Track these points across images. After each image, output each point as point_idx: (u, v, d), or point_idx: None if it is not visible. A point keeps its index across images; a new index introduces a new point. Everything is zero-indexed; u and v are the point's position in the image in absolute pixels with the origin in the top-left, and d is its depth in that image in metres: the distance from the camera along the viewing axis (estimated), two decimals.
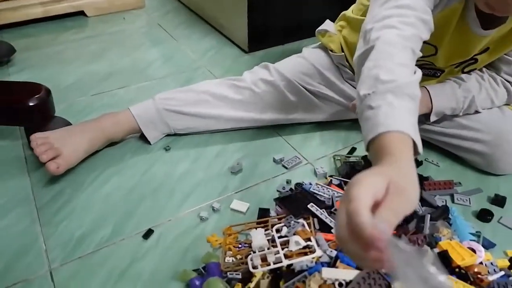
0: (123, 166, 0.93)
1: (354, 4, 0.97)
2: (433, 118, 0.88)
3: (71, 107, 1.11)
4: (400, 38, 0.60)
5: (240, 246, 0.74)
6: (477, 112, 0.89)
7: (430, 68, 0.88)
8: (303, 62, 0.99)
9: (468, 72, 0.89)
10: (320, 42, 1.02)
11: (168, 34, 1.52)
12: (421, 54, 0.63)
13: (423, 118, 0.90)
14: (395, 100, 0.53)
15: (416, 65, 0.62)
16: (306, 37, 1.43)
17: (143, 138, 0.98)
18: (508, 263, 0.71)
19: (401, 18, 0.62)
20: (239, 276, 0.67)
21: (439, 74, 0.90)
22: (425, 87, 0.87)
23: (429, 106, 0.87)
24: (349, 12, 0.97)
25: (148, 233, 0.77)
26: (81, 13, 1.63)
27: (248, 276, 0.67)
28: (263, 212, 0.80)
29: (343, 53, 0.96)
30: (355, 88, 0.95)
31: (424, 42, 0.65)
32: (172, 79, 1.25)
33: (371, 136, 0.52)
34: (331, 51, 0.98)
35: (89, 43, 1.45)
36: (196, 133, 1.00)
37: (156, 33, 1.53)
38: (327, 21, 1.04)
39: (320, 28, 1.02)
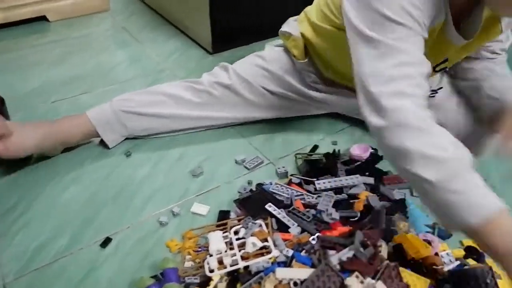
0: (82, 172, 0.91)
1: (313, 7, 0.91)
2: None
3: (31, 115, 1.08)
4: (420, 109, 0.60)
5: (199, 249, 0.73)
6: None
7: None
8: (263, 64, 0.97)
9: (440, 71, 0.88)
10: (282, 42, 0.98)
11: (132, 37, 1.50)
12: None
13: None
14: (474, 179, 0.56)
15: None
16: (271, 36, 1.41)
17: (103, 144, 0.97)
18: (464, 253, 0.73)
19: (408, 80, 0.61)
20: (197, 281, 0.67)
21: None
22: None
23: None
24: (312, 17, 0.89)
25: (106, 241, 0.76)
26: (43, 18, 1.59)
27: (206, 280, 0.66)
28: (223, 214, 0.79)
29: (306, 60, 0.93)
30: (317, 91, 0.97)
31: None
32: (137, 82, 1.23)
33: (474, 220, 0.54)
34: (294, 56, 0.94)
35: (51, 48, 1.42)
36: (157, 136, 0.99)
37: (121, 36, 1.51)
38: (290, 20, 0.99)
39: (283, 29, 0.96)
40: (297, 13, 1.02)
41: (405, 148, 0.58)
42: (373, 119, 0.62)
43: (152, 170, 0.92)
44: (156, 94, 0.96)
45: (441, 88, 0.94)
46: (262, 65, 0.97)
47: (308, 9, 0.94)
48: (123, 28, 1.57)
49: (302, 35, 0.93)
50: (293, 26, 0.95)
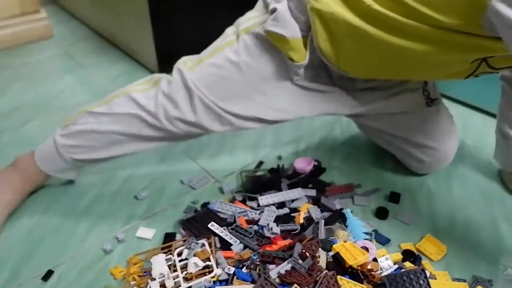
0: (22, 205, 0.89)
1: None
2: None
3: None
4: None
5: (145, 274, 0.73)
6: None
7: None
8: (241, 78, 0.77)
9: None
10: (263, 34, 0.76)
11: (77, 63, 1.48)
12: None
13: None
14: None
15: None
16: None
17: None
18: (401, 256, 0.76)
19: None
20: None
21: None
22: None
23: None
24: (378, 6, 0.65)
25: (47, 275, 0.74)
26: None
27: None
28: (169, 237, 0.79)
29: (306, 59, 0.76)
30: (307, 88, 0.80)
31: None
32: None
33: None
34: (292, 60, 0.75)
35: None
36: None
37: (65, 63, 1.49)
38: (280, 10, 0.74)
39: (275, 31, 0.73)
40: None
41: None
42: None
43: (97, 197, 0.91)
44: (108, 133, 0.81)
45: (437, 99, 0.89)
46: (239, 80, 0.77)
47: None
48: (67, 54, 1.55)
49: (338, 21, 0.69)
50: (286, 26, 0.74)
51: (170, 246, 0.76)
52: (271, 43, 0.76)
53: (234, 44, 0.79)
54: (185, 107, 0.77)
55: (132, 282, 0.71)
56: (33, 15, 1.60)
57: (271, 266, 0.66)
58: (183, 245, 0.74)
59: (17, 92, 1.30)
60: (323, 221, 0.75)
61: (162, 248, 0.77)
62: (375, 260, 0.72)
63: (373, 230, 0.80)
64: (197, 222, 0.79)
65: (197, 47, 1.41)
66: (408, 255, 0.76)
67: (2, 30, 1.55)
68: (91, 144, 0.83)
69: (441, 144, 0.90)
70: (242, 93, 0.78)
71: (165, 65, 1.37)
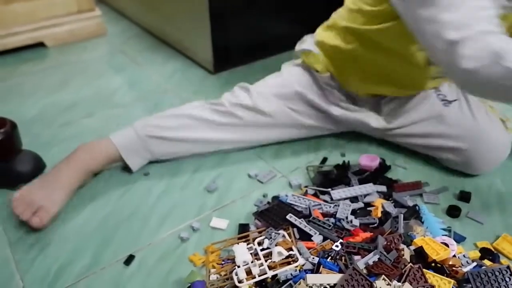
0: (96, 193, 0.92)
1: (341, 12, 0.93)
2: None
3: (37, 140, 1.09)
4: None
5: (223, 262, 0.74)
6: None
7: None
8: (284, 83, 0.98)
9: None
10: (301, 60, 1.00)
11: (131, 61, 1.52)
12: None
13: None
14: None
15: None
16: (271, 54, 1.46)
17: (117, 164, 0.98)
18: (479, 254, 0.75)
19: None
20: None
21: None
22: None
23: None
24: (343, 22, 0.90)
25: (129, 259, 0.76)
26: (41, 45, 1.60)
27: None
28: (243, 227, 0.81)
29: (328, 74, 0.96)
30: (338, 106, 0.98)
31: None
32: (140, 104, 1.25)
33: None
34: (317, 71, 0.96)
35: (50, 74, 1.43)
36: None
37: (119, 60, 1.53)
38: (307, 38, 1.01)
39: (302, 47, 0.99)
40: (296, 31, 1.08)
41: (493, 49, 0.63)
42: (456, 49, 0.65)
43: (167, 188, 0.93)
44: (181, 117, 0.96)
45: (456, 100, 0.93)
46: (283, 84, 0.98)
47: (335, 16, 0.95)
48: (121, 51, 1.59)
49: (325, 45, 0.94)
50: (310, 43, 0.98)
51: (247, 236, 0.77)
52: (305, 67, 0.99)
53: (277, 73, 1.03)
54: (244, 96, 0.98)
55: (212, 270, 0.73)
56: (88, 13, 1.65)
57: (356, 257, 0.66)
58: (260, 236, 0.75)
59: (77, 87, 1.34)
60: (402, 215, 0.75)
61: (239, 238, 0.78)
62: (454, 256, 0.72)
63: (448, 227, 0.80)
64: (273, 214, 0.80)
65: (253, 47, 1.44)
66: (486, 253, 0.75)
67: (60, 27, 1.60)
68: (166, 123, 0.95)
69: (469, 143, 0.89)
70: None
71: (221, 63, 1.39)
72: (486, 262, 0.73)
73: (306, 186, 0.90)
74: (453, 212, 0.84)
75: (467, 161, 0.91)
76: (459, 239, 0.79)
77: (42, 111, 1.22)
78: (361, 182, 0.88)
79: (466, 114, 0.91)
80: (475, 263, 0.72)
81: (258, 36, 1.41)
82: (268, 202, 0.86)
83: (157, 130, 0.94)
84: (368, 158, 0.95)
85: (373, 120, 0.98)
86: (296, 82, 0.98)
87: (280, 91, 0.98)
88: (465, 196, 0.88)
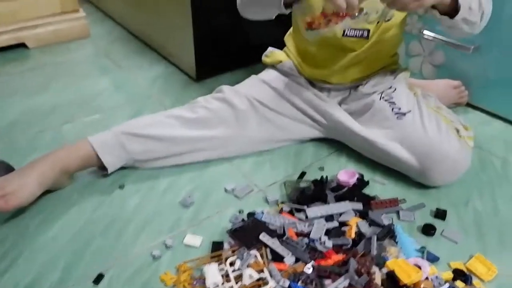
0: (70, 205, 0.90)
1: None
2: (462, 11, 0.81)
3: (12, 147, 1.07)
4: None
5: (195, 282, 0.73)
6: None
7: (356, 29, 0.95)
8: (253, 81, 1.07)
9: (389, 20, 0.95)
10: (268, 66, 1.10)
11: (115, 64, 1.50)
12: None
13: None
14: None
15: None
16: (254, 62, 1.44)
17: (93, 174, 0.96)
18: (452, 275, 0.75)
19: None
20: None
21: (366, 34, 0.96)
22: None
23: None
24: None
25: (98, 278, 0.75)
26: (23, 46, 1.58)
27: None
28: (217, 245, 0.80)
29: (291, 61, 1.07)
30: (306, 99, 1.04)
31: None
32: (121, 111, 1.23)
33: None
34: (280, 62, 1.07)
35: (30, 76, 1.40)
36: (145, 168, 0.99)
37: (103, 63, 1.51)
38: (269, 49, 1.12)
39: (266, 53, 1.12)
40: (277, 41, 1.12)
41: None
42: None
43: (142, 201, 0.92)
44: (157, 115, 1.00)
45: (410, 111, 0.96)
46: (256, 82, 1.06)
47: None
48: (104, 54, 1.57)
49: (290, 49, 1.09)
50: (272, 50, 1.12)
51: (220, 255, 0.77)
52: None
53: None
54: (217, 93, 1.04)
55: None
56: (72, 14, 1.63)
57: (327, 281, 0.66)
58: (233, 255, 0.75)
59: (58, 90, 1.33)
60: (375, 236, 0.75)
61: (212, 257, 0.77)
62: (426, 278, 0.72)
63: (421, 247, 0.80)
64: (246, 232, 0.79)
65: (236, 55, 1.42)
66: (458, 274, 0.75)
67: (42, 28, 1.58)
68: (140, 121, 0.99)
69: (420, 156, 0.91)
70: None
71: (203, 71, 1.38)
72: (459, 283, 0.73)
73: (282, 202, 0.89)
74: (428, 230, 0.84)
75: (422, 173, 0.92)
76: (433, 259, 0.78)
77: (21, 115, 1.20)
78: (338, 199, 0.88)
79: (418, 126, 0.93)
80: (447, 285, 0.72)
81: (242, 43, 1.40)
82: (243, 220, 0.85)
83: (132, 127, 0.96)
84: (346, 174, 0.94)
85: (338, 112, 1.02)
86: (264, 77, 1.07)
87: (250, 88, 1.04)
88: (441, 214, 0.88)
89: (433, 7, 0.82)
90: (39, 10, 1.55)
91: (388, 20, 0.96)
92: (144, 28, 1.62)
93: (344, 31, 0.96)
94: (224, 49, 1.39)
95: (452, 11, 0.82)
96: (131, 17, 1.71)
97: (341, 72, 1.02)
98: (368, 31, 0.96)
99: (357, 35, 0.96)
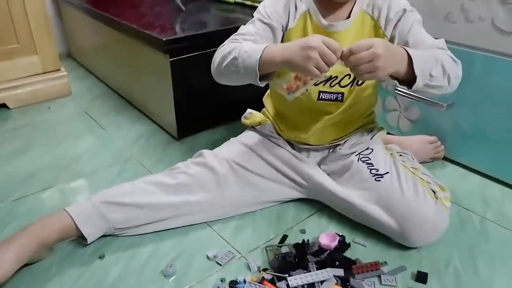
0: (48, 279, 0.87)
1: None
2: (418, 72, 0.82)
3: None
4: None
5: None
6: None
7: (330, 92, 0.99)
8: (232, 144, 1.09)
9: (362, 83, 0.99)
10: (247, 128, 1.14)
11: (96, 123, 1.51)
12: None
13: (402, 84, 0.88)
14: (252, 45, 0.89)
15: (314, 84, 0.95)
16: (234, 119, 1.47)
17: (72, 244, 0.95)
18: None
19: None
20: None
21: (340, 97, 1.00)
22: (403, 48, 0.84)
23: (404, 60, 0.82)
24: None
25: None
26: (3, 106, 1.58)
27: None
28: None
29: (270, 122, 1.12)
30: (285, 160, 1.07)
31: None
32: (101, 174, 1.22)
33: (258, 55, 0.85)
34: (259, 123, 1.11)
35: (10, 139, 1.40)
36: (125, 235, 0.98)
37: (84, 122, 1.52)
38: (247, 112, 1.16)
39: (246, 115, 1.17)
40: (258, 99, 1.17)
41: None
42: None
43: (123, 272, 0.90)
44: (136, 183, 0.99)
45: (388, 173, 0.98)
46: (235, 144, 1.09)
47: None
48: (85, 113, 1.57)
49: (268, 110, 1.15)
50: (251, 111, 1.18)
51: None
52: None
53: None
54: (197, 158, 1.06)
55: None
56: (53, 73, 1.64)
57: None
58: None
59: (38, 153, 1.32)
60: None
61: None
62: None
63: None
64: None
65: (217, 111, 1.45)
66: None
67: (23, 88, 1.59)
68: (120, 189, 0.98)
69: (397, 218, 0.93)
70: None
71: (184, 129, 1.39)
72: None
73: (264, 269, 0.89)
74: None
75: (401, 235, 0.93)
76: None
77: None
78: (320, 264, 0.88)
79: (395, 187, 0.95)
80: None
81: (222, 102, 1.43)
82: None
83: (111, 195, 0.96)
84: (327, 238, 0.95)
85: (317, 173, 1.04)
86: (243, 139, 1.10)
87: (230, 151, 1.06)
88: (422, 277, 0.88)
89: (392, 76, 0.85)
90: (20, 71, 1.57)
91: (361, 84, 1.00)
92: (126, 86, 1.65)
93: (319, 95, 0.99)
94: (204, 107, 1.41)
95: (413, 79, 0.83)
96: (113, 75, 1.74)
97: (318, 134, 1.05)
98: (342, 94, 1.00)
99: (332, 98, 1.00)
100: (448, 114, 1.22)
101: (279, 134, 1.10)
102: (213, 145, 1.08)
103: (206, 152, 1.05)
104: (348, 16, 0.95)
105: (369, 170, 1.00)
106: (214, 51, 0.96)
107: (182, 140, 1.39)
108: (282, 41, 0.98)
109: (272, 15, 0.96)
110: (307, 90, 0.93)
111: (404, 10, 0.93)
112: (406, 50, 0.82)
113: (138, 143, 1.38)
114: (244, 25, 0.99)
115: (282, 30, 0.98)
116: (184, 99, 1.34)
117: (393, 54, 0.80)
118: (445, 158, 1.29)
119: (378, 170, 0.99)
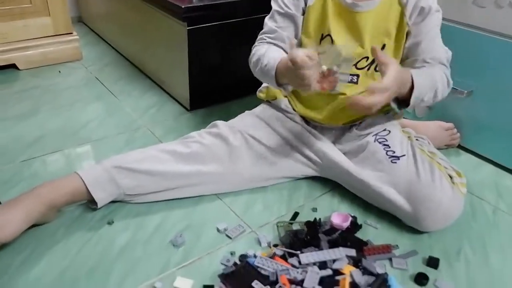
0: (55, 242, 0.87)
1: None
2: (413, 100, 0.89)
3: None
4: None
5: None
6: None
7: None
8: (252, 117, 1.07)
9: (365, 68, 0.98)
10: (262, 102, 1.12)
11: (106, 89, 1.48)
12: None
13: (402, 105, 0.92)
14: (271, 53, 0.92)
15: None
16: (249, 94, 1.45)
17: (81, 208, 0.94)
18: None
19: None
20: None
21: (355, 79, 0.97)
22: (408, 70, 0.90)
23: (408, 85, 0.88)
24: None
25: None
26: (13, 66, 1.55)
27: None
28: None
29: (286, 98, 1.08)
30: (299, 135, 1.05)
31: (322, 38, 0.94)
32: (110, 141, 1.21)
33: (273, 72, 0.89)
34: (275, 98, 1.08)
35: (19, 100, 1.37)
36: (135, 202, 0.97)
37: (94, 88, 1.49)
38: (264, 83, 1.12)
39: (261, 88, 1.13)
40: None
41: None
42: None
43: (131, 240, 0.89)
44: (148, 149, 0.98)
45: (404, 155, 0.97)
46: (250, 116, 1.07)
47: None
48: (96, 79, 1.55)
49: None
50: (267, 85, 1.12)
51: None
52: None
53: None
54: (211, 128, 1.04)
55: None
56: (65, 36, 1.61)
57: None
58: None
59: (46, 116, 1.30)
60: None
61: None
62: None
63: None
64: (238, 278, 0.77)
65: (230, 86, 1.42)
66: None
67: (34, 50, 1.56)
68: (132, 156, 0.96)
69: (413, 202, 0.91)
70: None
71: (197, 101, 1.37)
72: None
73: (275, 245, 0.88)
74: (421, 280, 0.83)
75: (415, 218, 0.92)
76: None
77: (5, 143, 1.16)
78: (332, 243, 0.87)
79: (411, 171, 0.94)
80: None
81: (236, 75, 1.40)
82: (235, 263, 0.83)
83: (123, 161, 0.94)
84: (339, 218, 0.94)
85: (332, 151, 1.02)
86: (258, 112, 1.08)
87: (245, 124, 1.05)
88: (433, 262, 0.87)
89: None
90: (32, 32, 1.54)
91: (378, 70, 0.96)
92: (138, 54, 1.62)
93: None
94: (218, 80, 1.39)
95: (407, 100, 0.90)
96: (125, 42, 1.70)
97: (331, 114, 1.03)
98: (358, 76, 0.97)
99: (346, 80, 0.97)
100: (466, 101, 1.19)
101: (294, 110, 1.08)
102: (225, 119, 1.06)
103: (220, 123, 1.04)
104: None
105: (386, 151, 0.98)
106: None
107: (194, 112, 1.37)
108: (304, 22, 0.98)
109: (288, 3, 0.96)
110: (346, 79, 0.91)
111: (430, 8, 0.93)
112: (412, 79, 0.87)
113: (148, 112, 1.36)
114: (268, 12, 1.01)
115: (303, 11, 0.97)
116: (199, 70, 1.31)
117: (402, 86, 0.86)
118: (460, 146, 1.27)
119: (394, 152, 0.97)
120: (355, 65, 0.96)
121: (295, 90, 1.07)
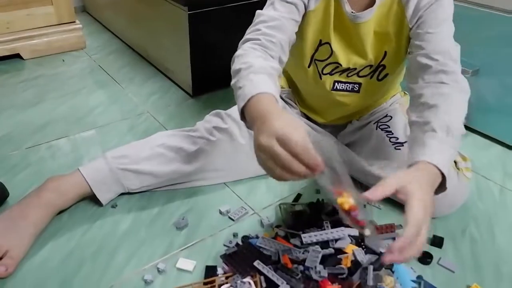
0: (59, 227, 0.88)
1: None
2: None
3: (3, 163, 1.05)
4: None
5: None
6: None
7: (346, 82, 0.92)
8: None
9: (382, 79, 0.92)
10: None
11: (110, 77, 1.48)
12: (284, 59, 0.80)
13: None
14: (254, 77, 0.69)
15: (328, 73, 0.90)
16: None
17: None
18: None
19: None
20: None
21: (357, 88, 0.93)
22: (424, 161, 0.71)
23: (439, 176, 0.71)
24: None
25: None
26: (17, 56, 1.56)
27: None
28: (210, 270, 0.78)
29: (290, 88, 1.05)
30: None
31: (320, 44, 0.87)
32: (114, 127, 1.21)
33: (242, 104, 0.67)
34: (282, 87, 1.03)
35: (24, 88, 1.39)
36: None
37: (98, 76, 1.50)
38: None
39: None
40: None
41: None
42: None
43: (134, 223, 0.90)
44: (154, 146, 0.93)
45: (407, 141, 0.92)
46: None
47: None
48: (100, 67, 1.55)
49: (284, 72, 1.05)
50: None
51: (213, 280, 0.75)
52: None
53: None
54: (217, 121, 0.98)
55: None
56: (68, 25, 1.61)
57: None
58: (226, 282, 0.73)
59: (52, 104, 1.31)
60: (371, 267, 0.74)
61: (205, 283, 0.75)
62: None
63: (418, 276, 0.79)
64: (240, 258, 0.77)
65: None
66: None
67: (38, 39, 1.56)
68: (138, 154, 0.92)
69: None
70: None
71: (200, 86, 1.37)
72: None
73: (277, 226, 0.88)
74: (425, 259, 0.83)
75: None
76: None
77: (12, 130, 1.18)
78: (334, 223, 0.86)
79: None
80: None
81: None
82: (237, 244, 0.83)
83: (129, 161, 0.91)
84: None
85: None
86: None
87: None
88: (437, 241, 0.87)
89: None
90: (35, 21, 1.54)
91: (382, 79, 0.93)
92: (141, 41, 1.61)
93: (333, 85, 0.93)
94: (221, 65, 1.37)
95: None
96: (128, 30, 1.70)
97: (331, 117, 1.03)
98: (359, 84, 0.93)
99: (348, 89, 0.94)
100: (472, 80, 1.17)
101: (296, 104, 1.06)
102: (228, 104, 1.04)
103: (225, 115, 0.98)
104: (373, 2, 0.82)
105: (389, 138, 0.96)
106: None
107: (197, 98, 1.37)
108: (301, 25, 0.85)
109: None
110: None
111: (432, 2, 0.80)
112: (441, 174, 0.70)
113: (151, 98, 1.36)
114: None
115: (305, 7, 0.84)
116: (201, 55, 1.31)
117: (432, 202, 0.68)
118: (466, 127, 1.24)
119: (397, 139, 0.95)
120: (358, 73, 0.91)
121: (295, 91, 1.05)
